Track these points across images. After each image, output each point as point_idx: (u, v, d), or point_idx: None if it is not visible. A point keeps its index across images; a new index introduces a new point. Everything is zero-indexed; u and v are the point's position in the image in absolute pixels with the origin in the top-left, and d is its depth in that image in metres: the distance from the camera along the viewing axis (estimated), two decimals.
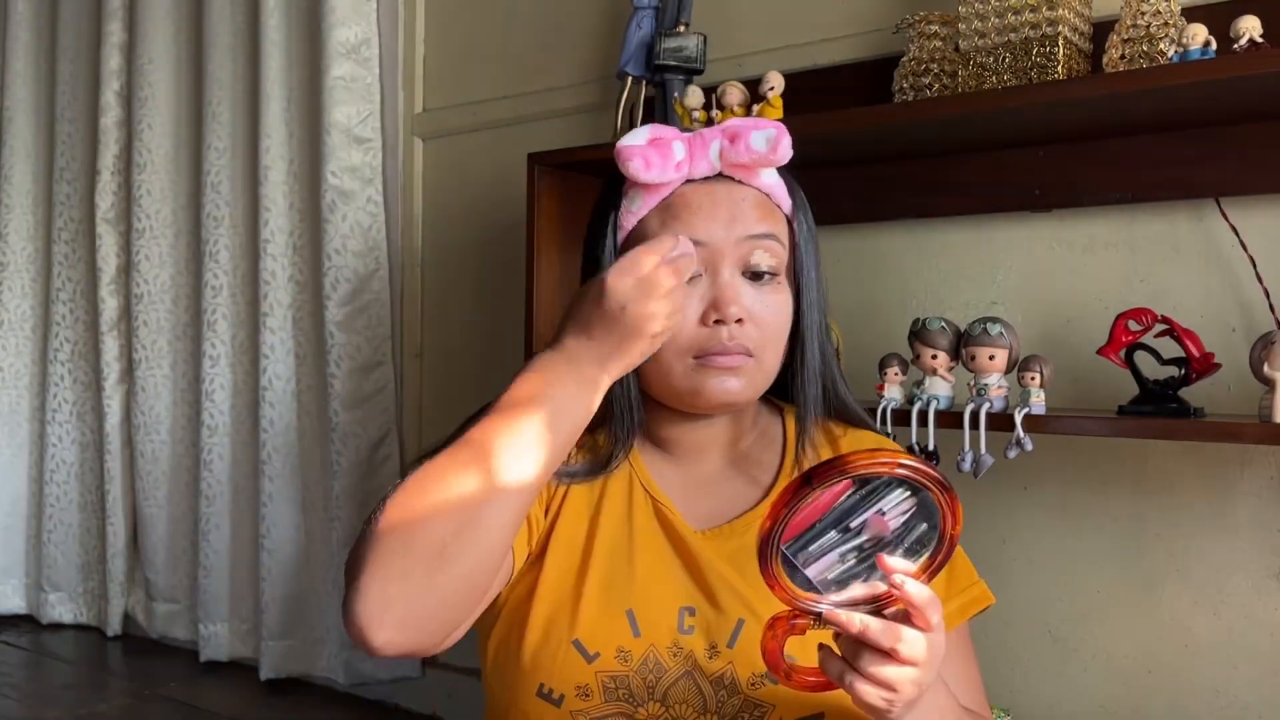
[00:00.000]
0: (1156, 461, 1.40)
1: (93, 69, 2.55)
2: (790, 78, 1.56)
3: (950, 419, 1.30)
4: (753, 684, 0.90)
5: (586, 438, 0.95)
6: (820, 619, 0.75)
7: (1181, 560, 1.39)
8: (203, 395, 2.31)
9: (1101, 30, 1.33)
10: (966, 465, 1.30)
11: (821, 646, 0.77)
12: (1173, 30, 1.23)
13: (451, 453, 0.81)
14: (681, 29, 1.68)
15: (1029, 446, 1.26)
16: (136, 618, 2.55)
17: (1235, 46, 1.19)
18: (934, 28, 1.42)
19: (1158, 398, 1.24)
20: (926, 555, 0.75)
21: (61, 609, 2.65)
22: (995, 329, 1.29)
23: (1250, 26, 1.19)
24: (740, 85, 1.57)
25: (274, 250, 2.19)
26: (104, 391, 2.49)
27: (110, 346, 2.49)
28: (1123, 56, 1.26)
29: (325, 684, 2.23)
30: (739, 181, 0.93)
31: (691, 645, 0.90)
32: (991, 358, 1.29)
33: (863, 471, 0.71)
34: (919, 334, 1.34)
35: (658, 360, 0.90)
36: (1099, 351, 1.28)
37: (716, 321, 0.89)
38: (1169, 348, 1.25)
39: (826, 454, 1.00)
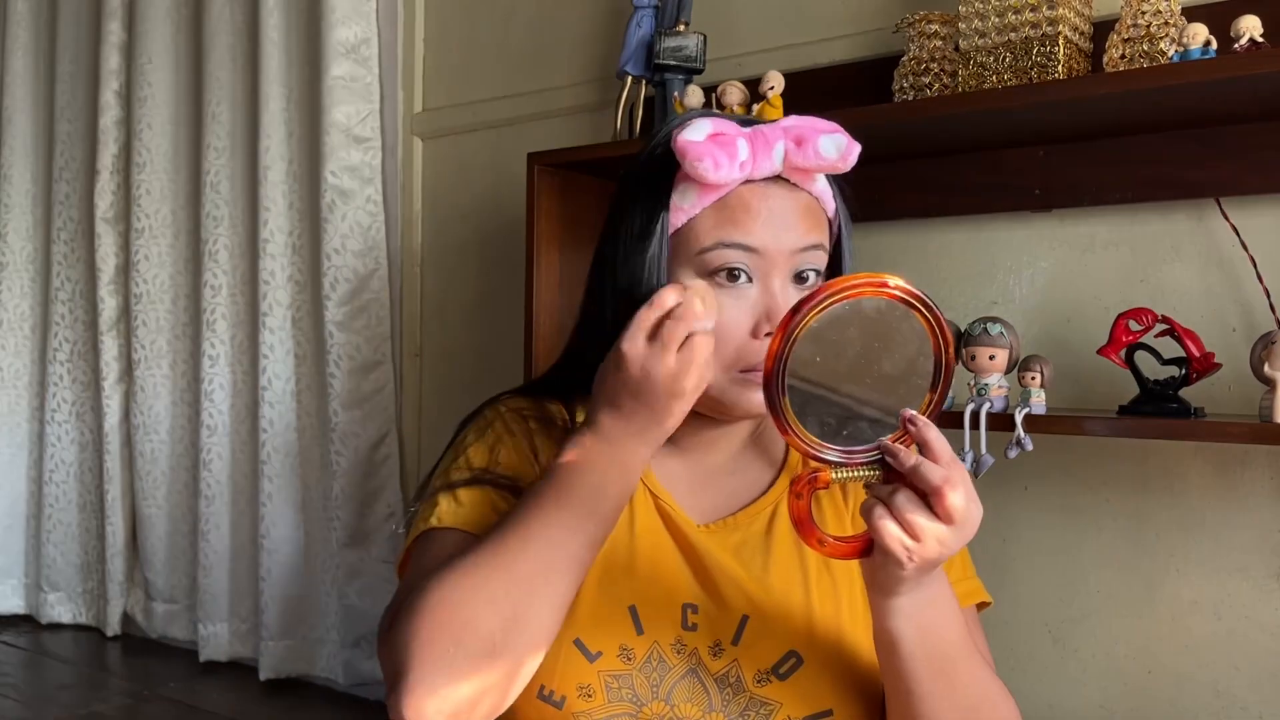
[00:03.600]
0: (1157, 461, 1.40)
1: (92, 68, 2.55)
2: (790, 77, 1.56)
3: (951, 419, 1.30)
4: (758, 681, 0.89)
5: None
6: (843, 470, 0.74)
7: (1181, 560, 1.39)
8: (202, 395, 2.31)
9: (1102, 30, 1.33)
10: (967, 465, 1.30)
11: (867, 486, 0.77)
12: (1173, 30, 1.23)
13: (492, 546, 0.80)
14: (681, 28, 1.68)
15: (1029, 446, 1.26)
16: (136, 618, 2.55)
17: (1235, 46, 1.19)
18: (934, 27, 1.42)
19: (1158, 398, 1.24)
20: (927, 390, 0.74)
21: (61, 609, 2.65)
22: (995, 329, 1.29)
23: (1250, 26, 1.19)
24: (740, 85, 1.57)
25: (273, 250, 2.19)
26: (103, 391, 2.49)
27: (109, 346, 2.49)
28: (1123, 56, 1.26)
29: (325, 684, 2.23)
30: (794, 185, 0.88)
31: (695, 642, 0.89)
32: (992, 358, 1.29)
33: (852, 295, 0.71)
34: None
35: None
36: (1099, 351, 1.28)
37: (768, 334, 0.84)
38: (1169, 348, 1.25)
39: None
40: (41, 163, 2.70)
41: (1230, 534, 1.36)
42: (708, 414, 0.91)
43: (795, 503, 0.75)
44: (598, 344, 0.89)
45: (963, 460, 1.29)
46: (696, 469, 0.96)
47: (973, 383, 1.31)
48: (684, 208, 0.88)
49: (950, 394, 1.33)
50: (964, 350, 1.32)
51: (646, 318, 0.79)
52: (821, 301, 0.71)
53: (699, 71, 1.67)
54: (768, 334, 0.85)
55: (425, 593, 0.79)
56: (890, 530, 0.73)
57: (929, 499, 0.72)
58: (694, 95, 1.61)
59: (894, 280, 0.72)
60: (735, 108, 1.56)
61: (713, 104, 1.58)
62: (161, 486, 2.46)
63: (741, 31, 1.75)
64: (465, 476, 0.92)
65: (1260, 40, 1.18)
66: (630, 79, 1.71)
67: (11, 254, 2.69)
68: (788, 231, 0.87)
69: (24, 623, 2.69)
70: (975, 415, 1.28)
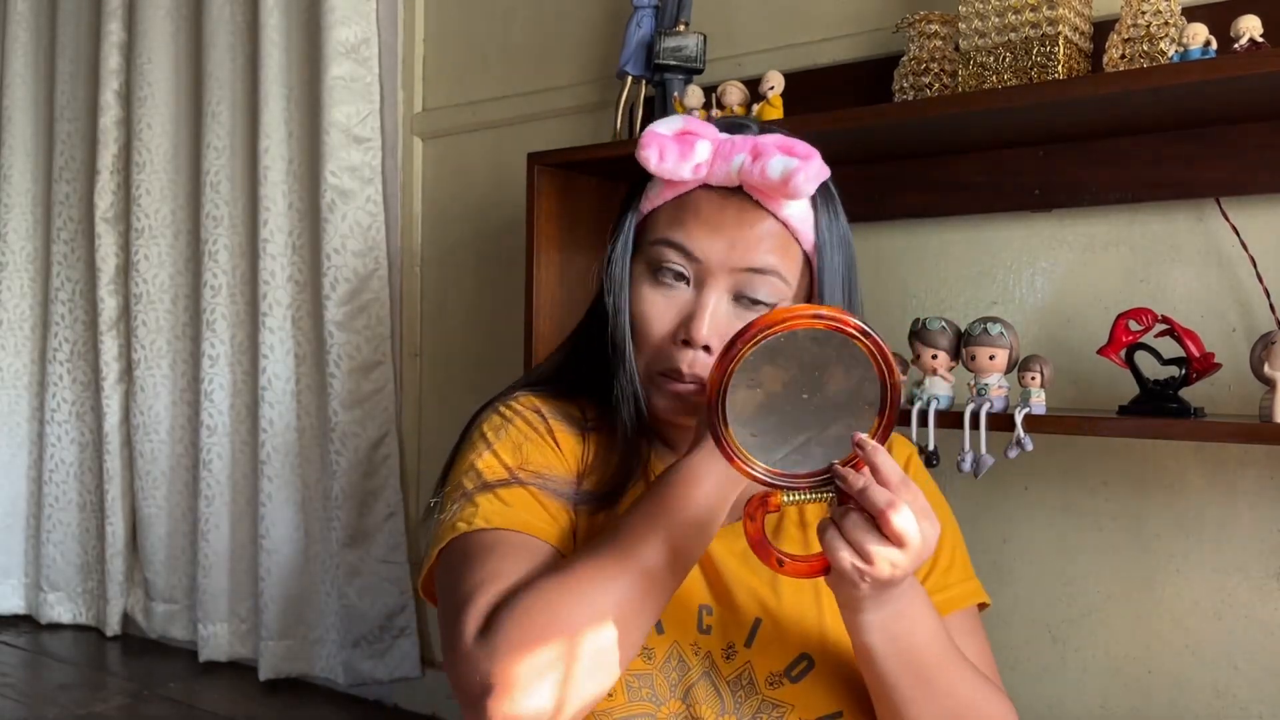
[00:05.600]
0: (1156, 461, 1.40)
1: (92, 68, 2.55)
2: (790, 77, 1.56)
3: (950, 419, 1.30)
4: (770, 684, 0.89)
5: (601, 453, 0.93)
6: (794, 494, 0.75)
7: (1181, 560, 1.39)
8: (202, 395, 2.31)
9: (1102, 30, 1.33)
10: (967, 465, 1.30)
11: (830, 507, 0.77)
12: (1173, 30, 1.23)
13: (602, 557, 0.80)
14: (681, 28, 1.68)
15: (1029, 446, 1.26)
16: (135, 618, 2.55)
17: (1235, 46, 1.19)
18: (934, 27, 1.42)
19: (1158, 397, 1.24)
20: (875, 413, 0.75)
21: (60, 609, 2.65)
22: (995, 329, 1.29)
23: (1250, 26, 1.19)
24: (740, 85, 1.57)
25: (273, 250, 2.19)
26: (103, 391, 2.49)
27: (109, 346, 2.49)
28: (1123, 56, 1.26)
29: (324, 684, 2.23)
30: (758, 205, 0.86)
31: (709, 645, 0.89)
32: (992, 358, 1.29)
33: (786, 327, 0.72)
34: (919, 334, 1.34)
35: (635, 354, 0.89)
36: (1099, 351, 1.28)
37: (683, 341, 0.86)
38: (1169, 348, 1.25)
39: None
40: (41, 163, 2.70)
41: (1230, 534, 1.36)
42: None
43: (749, 524, 0.75)
44: (592, 337, 0.91)
45: (963, 460, 1.29)
46: None
47: (973, 383, 1.31)
48: (650, 197, 0.90)
49: (951, 394, 1.34)
50: (964, 350, 1.32)
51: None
52: (755, 336, 0.72)
53: (699, 71, 1.67)
54: (684, 340, 0.86)
55: (524, 598, 0.78)
56: (842, 556, 0.73)
57: (877, 521, 0.72)
58: (694, 95, 1.61)
59: (827, 311, 0.72)
60: (735, 108, 1.56)
61: (713, 104, 1.58)
62: (161, 486, 2.46)
63: (741, 31, 1.75)
64: (502, 476, 0.90)
65: (1260, 40, 1.18)
66: (630, 79, 1.71)
67: (11, 254, 2.69)
68: (733, 248, 0.85)
69: (24, 622, 2.69)
70: (975, 415, 1.28)
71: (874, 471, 0.73)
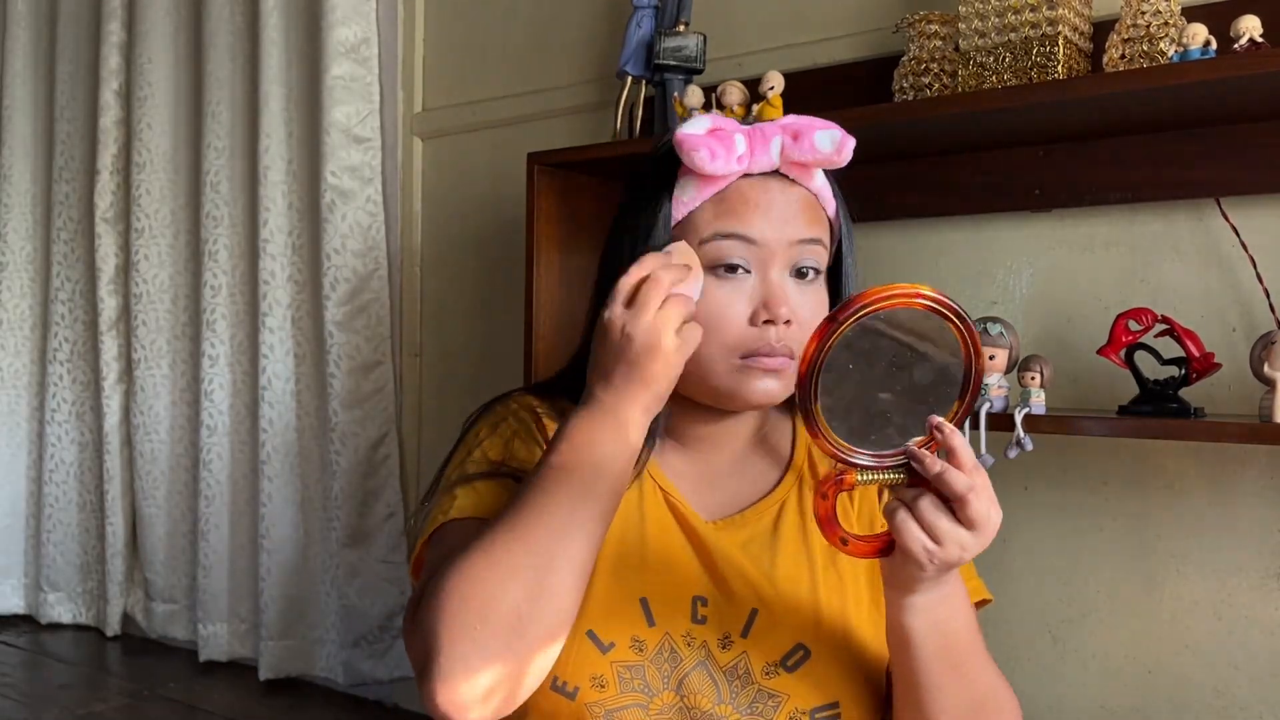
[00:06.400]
0: (1156, 461, 1.40)
1: (92, 68, 2.55)
2: (790, 77, 1.56)
3: None
4: (766, 674, 0.90)
5: None
6: (869, 474, 0.76)
7: (1181, 560, 1.39)
8: (202, 395, 2.31)
9: (1101, 30, 1.33)
10: None
11: (891, 489, 0.79)
12: (1173, 30, 1.23)
13: (507, 522, 0.81)
14: (681, 28, 1.68)
15: (1029, 446, 1.26)
16: (135, 618, 2.55)
17: (1235, 46, 1.19)
18: (934, 27, 1.42)
19: (1158, 397, 1.24)
20: (955, 398, 0.76)
21: (60, 609, 2.65)
22: (995, 329, 1.29)
23: (1250, 26, 1.19)
24: (740, 85, 1.57)
25: (273, 250, 2.19)
26: (103, 391, 2.49)
27: (109, 346, 2.49)
28: (1123, 56, 1.26)
29: (324, 684, 2.23)
30: (793, 181, 0.91)
31: (704, 635, 0.90)
32: (991, 358, 1.29)
33: (885, 306, 0.73)
34: None
35: (698, 359, 0.87)
36: (1099, 351, 1.28)
37: (766, 322, 0.87)
38: (1169, 347, 1.25)
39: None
40: (41, 163, 2.70)
41: (1230, 534, 1.36)
42: (712, 405, 0.93)
43: (820, 503, 0.77)
44: None
45: None
46: (703, 467, 0.97)
47: None
48: (684, 201, 0.91)
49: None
50: None
51: (625, 283, 0.81)
52: (857, 311, 0.73)
53: (699, 71, 1.67)
54: (766, 321, 0.87)
55: (446, 576, 0.79)
56: (914, 533, 0.75)
57: (952, 505, 0.74)
58: (694, 95, 1.61)
59: (928, 291, 0.74)
60: (735, 108, 1.56)
61: (712, 104, 1.58)
62: (161, 486, 2.46)
63: (741, 31, 1.75)
64: (483, 469, 0.93)
65: (1260, 40, 1.18)
66: (630, 79, 1.71)
67: (11, 254, 2.69)
68: (786, 224, 0.89)
69: (24, 622, 2.69)
70: (975, 415, 1.28)
71: (950, 455, 0.74)
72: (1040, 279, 1.49)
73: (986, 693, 0.88)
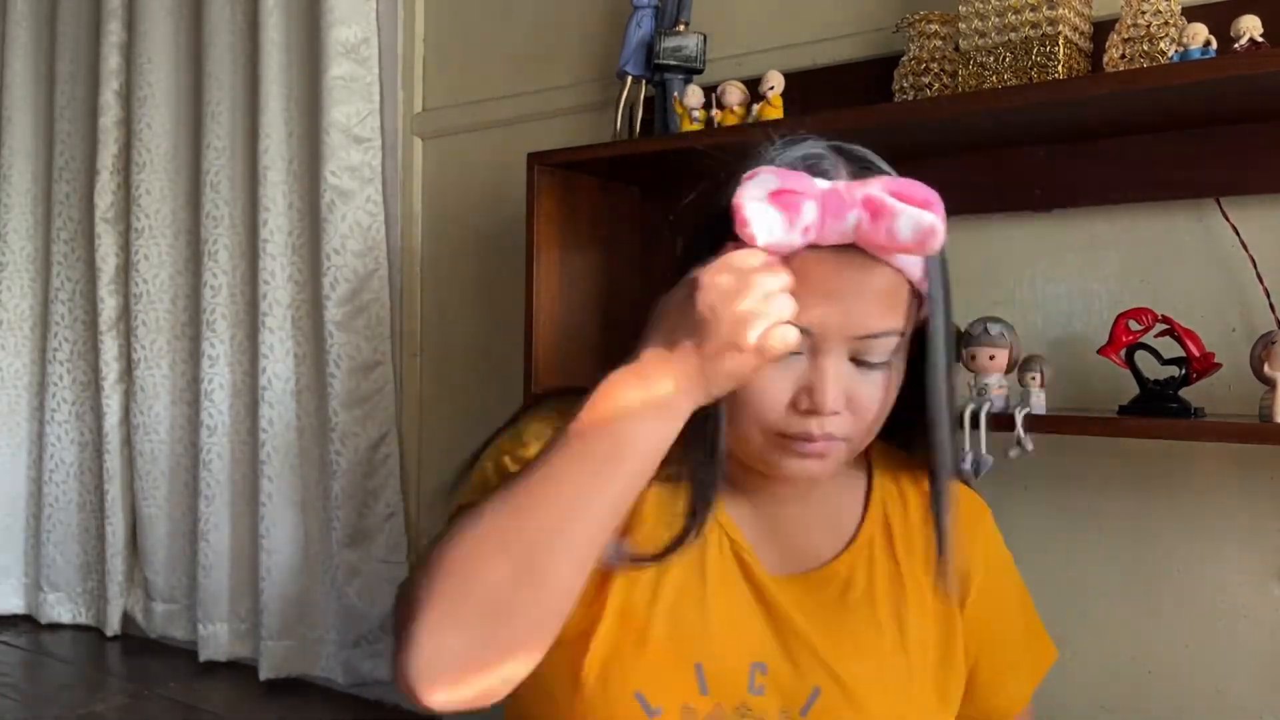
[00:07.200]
0: (1157, 461, 1.40)
1: (92, 68, 2.55)
2: (790, 77, 1.56)
3: None
4: None
5: (656, 500, 0.84)
6: None
7: (1181, 560, 1.39)
8: (202, 395, 2.31)
9: (1102, 30, 1.33)
10: (967, 465, 1.29)
11: None
12: (1173, 30, 1.23)
13: (511, 490, 0.72)
14: (681, 28, 1.68)
15: (1029, 447, 1.26)
16: (135, 617, 2.55)
17: (1235, 46, 1.19)
18: (934, 27, 1.42)
19: (1158, 398, 1.24)
20: None
21: (60, 609, 2.65)
22: (995, 329, 1.29)
23: (1250, 26, 1.19)
24: (740, 85, 1.57)
25: (273, 250, 2.19)
26: (103, 391, 2.49)
27: (109, 346, 2.49)
28: (1123, 56, 1.26)
29: (325, 684, 2.23)
30: (871, 257, 0.77)
31: (762, 708, 0.83)
32: (992, 358, 1.29)
33: None
34: None
35: (735, 423, 0.79)
36: (1099, 351, 1.28)
37: (807, 411, 0.78)
38: (1169, 347, 1.25)
39: (914, 501, 0.93)
40: (41, 162, 2.70)
41: (1230, 534, 1.36)
42: (759, 469, 0.85)
43: None
44: None
45: (963, 460, 1.29)
46: (767, 516, 0.90)
47: (973, 383, 1.31)
48: None
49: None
50: (964, 350, 1.32)
51: (744, 258, 0.70)
52: None
53: (699, 71, 1.67)
54: (806, 410, 0.78)
55: (437, 546, 0.72)
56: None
57: None
58: (694, 95, 1.61)
59: None
60: (735, 108, 1.56)
61: (712, 104, 1.58)
62: (161, 486, 2.46)
63: (741, 31, 1.75)
64: (519, 458, 0.84)
65: (1260, 40, 1.18)
66: (630, 79, 1.71)
67: (11, 254, 2.69)
68: (851, 316, 0.77)
69: (23, 622, 2.69)
70: (975, 415, 1.28)
71: None
72: (1040, 279, 1.49)
73: None
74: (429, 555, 0.72)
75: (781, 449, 0.80)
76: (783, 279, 0.71)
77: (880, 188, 0.75)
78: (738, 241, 0.74)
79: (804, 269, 0.75)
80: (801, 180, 0.75)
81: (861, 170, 0.81)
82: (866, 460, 0.95)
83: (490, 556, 0.70)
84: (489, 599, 0.69)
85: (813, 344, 0.78)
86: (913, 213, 0.73)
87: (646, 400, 0.71)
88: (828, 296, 0.76)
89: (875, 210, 0.74)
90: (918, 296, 0.81)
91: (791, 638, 0.85)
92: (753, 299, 0.69)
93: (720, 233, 0.77)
